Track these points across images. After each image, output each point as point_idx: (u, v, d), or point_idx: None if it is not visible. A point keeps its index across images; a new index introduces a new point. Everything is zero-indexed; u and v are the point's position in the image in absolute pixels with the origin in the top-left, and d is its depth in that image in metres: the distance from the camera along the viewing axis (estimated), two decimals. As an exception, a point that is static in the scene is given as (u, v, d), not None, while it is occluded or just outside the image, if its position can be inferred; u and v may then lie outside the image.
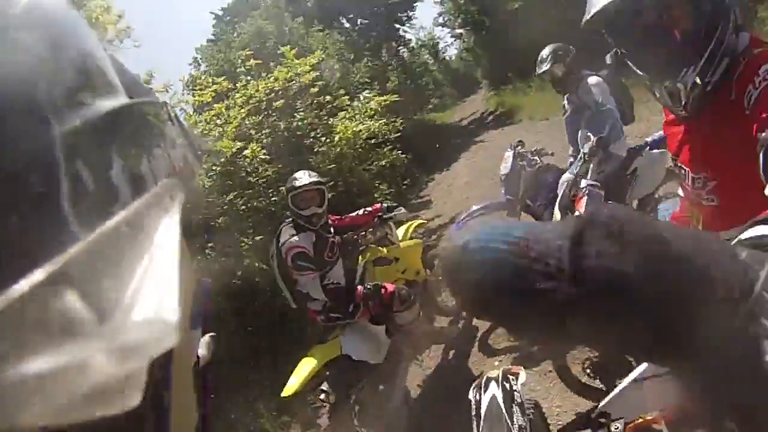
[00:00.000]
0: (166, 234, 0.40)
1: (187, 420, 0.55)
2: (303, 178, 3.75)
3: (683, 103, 1.65)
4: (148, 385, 0.31)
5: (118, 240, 0.33)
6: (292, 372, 3.55)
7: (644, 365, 1.55)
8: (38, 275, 0.25)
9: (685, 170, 1.83)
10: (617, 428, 1.47)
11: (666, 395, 1.49)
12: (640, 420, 1.54)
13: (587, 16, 1.63)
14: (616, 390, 1.61)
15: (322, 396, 3.43)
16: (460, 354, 4.51)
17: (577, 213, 2.42)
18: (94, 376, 0.27)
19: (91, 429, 0.27)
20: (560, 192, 3.85)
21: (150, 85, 8.02)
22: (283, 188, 4.49)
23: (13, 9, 0.32)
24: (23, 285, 0.25)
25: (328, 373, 3.61)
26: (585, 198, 2.44)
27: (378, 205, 4.34)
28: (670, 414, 1.46)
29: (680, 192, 2.20)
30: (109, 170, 0.35)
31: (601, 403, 1.62)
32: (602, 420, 1.56)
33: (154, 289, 0.35)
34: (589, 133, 3.12)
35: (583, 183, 2.65)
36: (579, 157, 2.90)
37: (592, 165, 2.86)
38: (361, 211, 4.31)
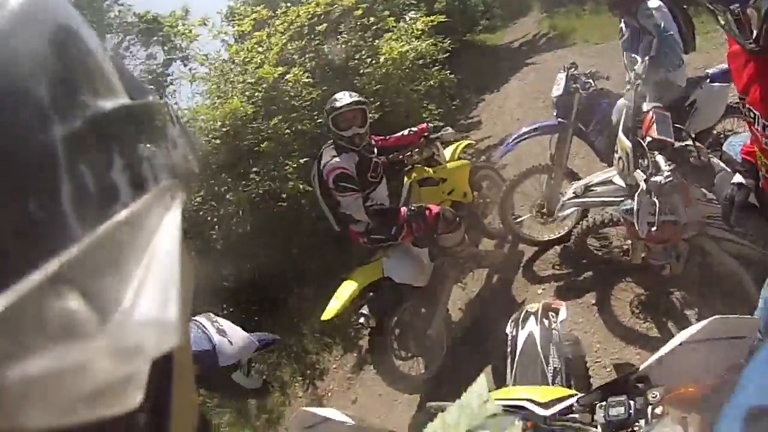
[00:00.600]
0: (167, 234, 0.41)
1: (188, 420, 0.53)
2: (343, 98, 3.67)
3: (755, 34, 1.45)
4: (149, 385, 0.31)
5: (118, 240, 0.33)
6: (333, 294, 3.58)
7: (691, 328, 1.44)
8: (38, 275, 0.25)
9: (755, 113, 1.63)
10: (654, 396, 1.37)
11: (709, 363, 1.42)
12: (681, 390, 1.43)
13: None
14: (659, 353, 1.50)
15: (362, 319, 3.45)
16: (504, 279, 4.46)
17: (648, 139, 2.26)
18: (95, 377, 0.27)
19: (91, 430, 0.27)
20: (617, 117, 3.67)
21: (186, 19, 8.04)
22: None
23: (13, 7, 0.31)
24: (23, 285, 0.24)
25: (370, 294, 3.63)
26: (653, 122, 2.27)
27: (424, 125, 4.24)
28: (710, 385, 1.38)
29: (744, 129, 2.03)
30: (109, 170, 0.35)
31: (642, 366, 1.52)
32: (640, 385, 1.46)
33: (154, 289, 0.35)
34: (634, 55, 2.92)
35: (646, 106, 2.49)
36: (629, 80, 2.73)
37: (649, 88, 2.69)
38: (406, 132, 4.21)
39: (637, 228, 2.28)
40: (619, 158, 2.65)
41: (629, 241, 3.41)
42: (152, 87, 6.63)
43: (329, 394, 4.59)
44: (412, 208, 3.70)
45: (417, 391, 3.79)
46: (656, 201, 2.12)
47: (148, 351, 0.31)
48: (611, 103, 3.92)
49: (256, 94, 5.98)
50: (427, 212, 3.68)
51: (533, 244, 4.48)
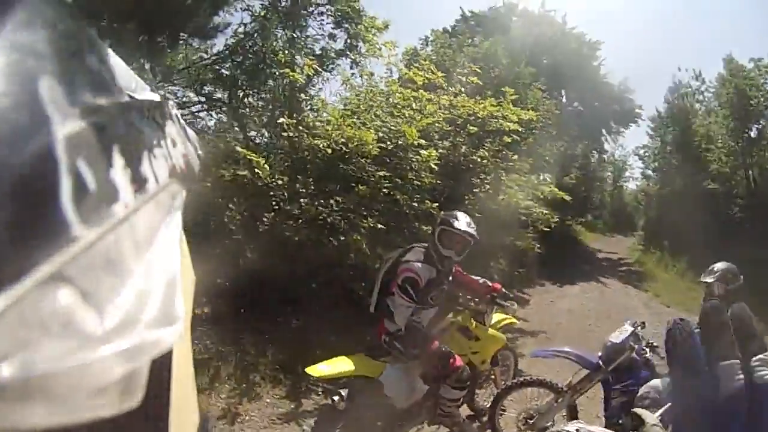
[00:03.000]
0: (167, 234, 0.42)
1: (188, 420, 0.57)
2: (463, 221, 3.79)
3: None
4: (149, 384, 0.32)
5: (119, 239, 0.33)
6: (318, 351, 3.61)
7: None
8: (38, 275, 0.26)
9: None
10: None
11: None
12: None
13: None
14: None
15: (336, 397, 3.44)
16: (460, 450, 4.37)
17: None
18: (95, 376, 0.28)
19: (92, 429, 0.28)
20: (644, 392, 3.73)
21: (382, 31, 8.21)
22: (429, 204, 4.51)
23: (15, 9, 0.31)
24: (23, 285, 0.25)
25: (352, 381, 3.63)
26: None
27: (498, 285, 4.30)
28: None
29: None
30: (109, 169, 0.35)
31: None
32: None
33: (154, 289, 0.36)
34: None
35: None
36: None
37: None
38: (481, 280, 4.29)
39: None
40: None
41: None
42: (313, 59, 6.80)
43: (246, 418, 4.54)
44: (444, 348, 3.74)
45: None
46: None
47: (148, 350, 0.32)
48: (647, 378, 3.91)
49: (388, 142, 6.13)
50: (452, 360, 3.70)
51: (500, 441, 4.41)
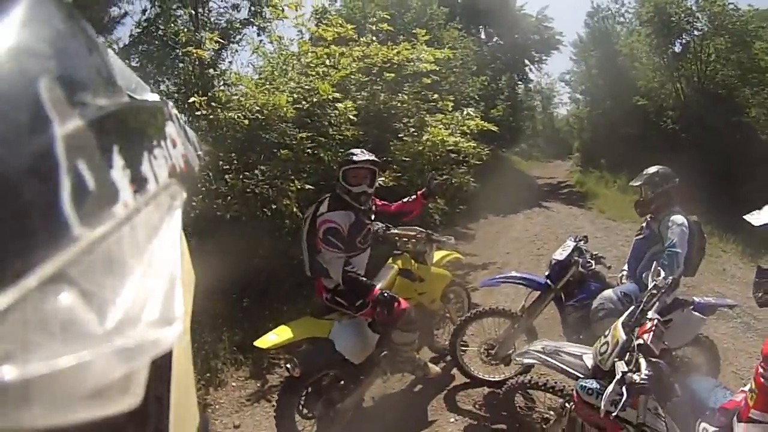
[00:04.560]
0: (167, 234, 0.42)
1: (188, 420, 0.56)
2: (361, 154, 3.73)
3: None
4: (149, 384, 0.32)
5: (119, 240, 0.33)
6: (271, 325, 3.56)
7: None
8: (38, 275, 0.26)
9: None
10: None
11: None
12: None
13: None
14: None
15: (289, 365, 3.38)
16: (425, 394, 4.47)
17: (640, 341, 2.47)
18: (95, 376, 0.28)
19: (92, 429, 0.27)
20: (597, 304, 3.91)
21: None
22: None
23: (15, 8, 0.31)
24: (23, 285, 0.25)
25: (304, 346, 3.61)
26: (652, 331, 2.52)
27: (420, 194, 4.25)
28: None
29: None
30: (109, 170, 0.34)
31: None
32: None
33: (154, 288, 0.36)
34: (661, 269, 3.04)
35: (651, 315, 2.65)
36: (648, 290, 2.86)
37: (657, 300, 2.82)
38: (410, 198, 4.24)
39: (600, 407, 2.36)
40: (605, 342, 2.75)
41: (552, 412, 3.45)
42: (218, 32, 6.57)
43: (216, 407, 4.45)
44: (385, 294, 3.69)
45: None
46: (625, 393, 2.23)
47: (148, 350, 0.32)
48: (598, 289, 4.04)
49: (303, 102, 5.99)
50: (396, 304, 3.66)
51: (467, 376, 4.51)
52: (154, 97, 0.52)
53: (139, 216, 0.37)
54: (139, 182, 0.38)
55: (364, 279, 3.74)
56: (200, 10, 8.05)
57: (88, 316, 0.29)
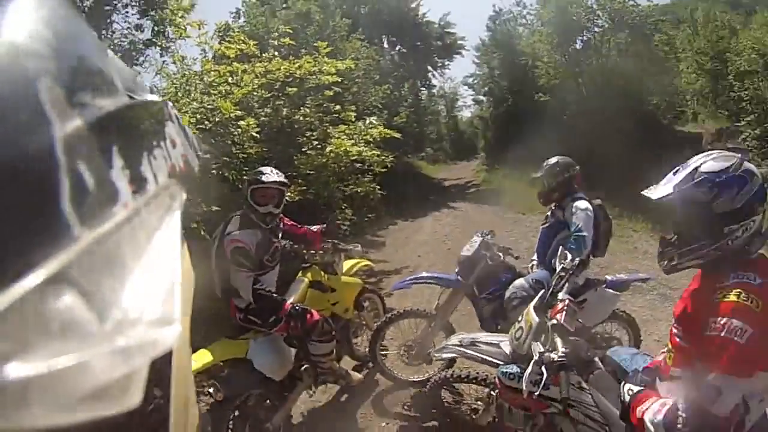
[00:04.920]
0: (167, 234, 0.42)
1: (188, 420, 0.57)
2: (269, 174, 3.72)
3: None
4: (149, 384, 0.32)
5: (118, 240, 0.34)
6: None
7: None
8: (38, 275, 0.26)
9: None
10: None
11: None
12: None
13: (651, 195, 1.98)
14: None
15: (212, 389, 3.32)
16: (353, 402, 4.48)
17: (554, 321, 2.53)
18: (95, 376, 0.28)
19: (92, 429, 0.28)
20: (510, 293, 4.00)
21: (188, 12, 7.69)
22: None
23: (15, 9, 0.32)
24: (23, 285, 0.25)
25: (225, 370, 3.55)
26: (564, 310, 2.58)
27: (317, 227, 4.34)
28: None
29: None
30: (109, 170, 0.35)
31: None
32: None
33: (154, 288, 0.36)
34: (567, 252, 3.20)
35: (562, 295, 2.76)
36: (557, 273, 3.00)
37: (567, 282, 2.97)
38: (315, 228, 4.30)
39: (522, 389, 2.45)
40: (520, 327, 2.83)
41: (480, 402, 3.56)
42: (120, 54, 6.28)
43: None
44: (297, 307, 3.72)
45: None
46: (545, 372, 2.30)
47: (148, 350, 0.32)
48: (510, 280, 4.15)
49: (206, 122, 5.87)
50: (309, 316, 3.70)
51: (391, 379, 4.56)
52: (153, 98, 0.52)
53: (139, 216, 0.37)
54: (138, 182, 0.39)
55: (275, 295, 3.75)
56: (103, 32, 7.74)
57: (88, 316, 0.29)
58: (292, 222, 4.19)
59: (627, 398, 2.16)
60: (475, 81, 27.62)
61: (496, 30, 24.33)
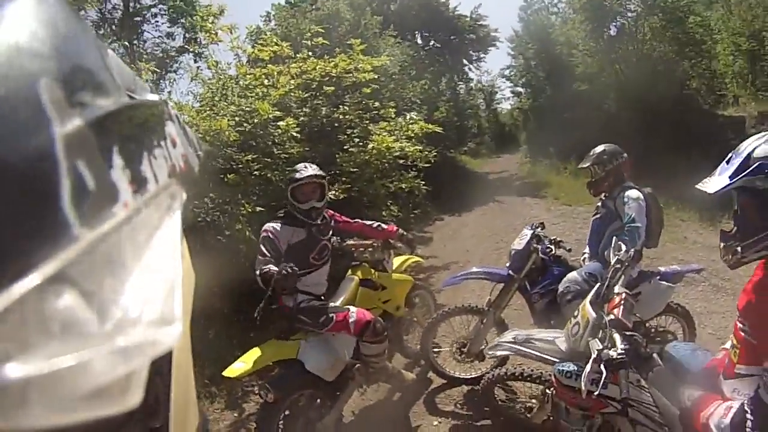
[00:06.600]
0: (167, 234, 0.42)
1: (188, 420, 0.57)
2: (305, 170, 3.70)
3: None
4: (149, 384, 0.32)
5: (118, 240, 0.33)
6: (240, 353, 3.47)
7: None
8: (38, 275, 0.26)
9: None
10: None
11: None
12: None
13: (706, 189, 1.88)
14: None
15: (262, 391, 3.32)
16: (405, 401, 4.42)
17: (611, 317, 2.46)
18: (95, 376, 0.28)
19: (92, 429, 0.28)
20: (563, 288, 3.88)
21: (218, 18, 7.80)
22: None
23: (15, 9, 0.32)
24: (23, 285, 0.25)
25: (275, 370, 3.54)
26: (621, 305, 2.51)
27: (394, 228, 4.27)
28: None
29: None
30: (109, 170, 0.35)
31: None
32: None
33: (154, 288, 0.35)
34: (621, 244, 3.08)
35: (618, 288, 2.65)
36: (611, 265, 2.89)
37: (623, 274, 2.85)
38: (374, 224, 4.24)
39: (581, 388, 2.34)
40: (576, 323, 2.76)
41: (534, 400, 3.47)
42: (154, 63, 6.46)
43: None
44: (348, 309, 3.67)
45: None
46: (604, 370, 2.20)
47: (148, 350, 0.32)
48: (562, 273, 4.05)
49: (245, 124, 5.91)
50: (360, 316, 3.62)
51: (443, 377, 4.50)
52: (153, 97, 0.51)
53: (139, 216, 0.37)
54: (138, 182, 0.39)
55: (318, 305, 3.70)
56: (135, 41, 7.93)
57: (88, 316, 0.29)
58: (345, 219, 4.14)
59: (688, 404, 2.06)
60: (512, 73, 27.53)
61: (528, 20, 24.16)
